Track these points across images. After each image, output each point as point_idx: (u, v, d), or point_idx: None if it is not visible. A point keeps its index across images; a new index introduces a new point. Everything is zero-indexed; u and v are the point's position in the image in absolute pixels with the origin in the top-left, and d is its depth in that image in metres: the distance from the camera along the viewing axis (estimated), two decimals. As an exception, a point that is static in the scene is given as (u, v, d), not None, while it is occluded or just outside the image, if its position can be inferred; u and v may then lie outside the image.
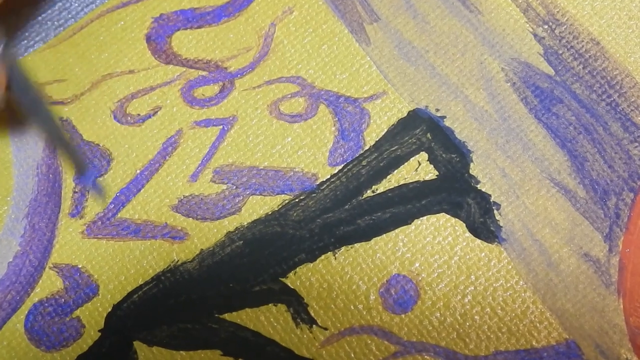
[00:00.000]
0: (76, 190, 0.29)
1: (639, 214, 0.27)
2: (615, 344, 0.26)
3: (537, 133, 0.28)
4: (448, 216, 0.28)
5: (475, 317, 0.27)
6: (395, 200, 0.28)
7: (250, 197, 0.29)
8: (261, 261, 0.28)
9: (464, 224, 0.28)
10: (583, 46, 0.29)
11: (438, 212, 0.28)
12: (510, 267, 0.27)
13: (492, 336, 0.26)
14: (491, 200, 0.28)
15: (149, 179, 0.29)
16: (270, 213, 0.28)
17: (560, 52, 0.29)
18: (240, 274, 0.28)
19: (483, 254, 0.27)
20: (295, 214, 0.28)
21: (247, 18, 0.31)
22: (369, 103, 0.29)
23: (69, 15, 0.32)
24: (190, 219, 0.29)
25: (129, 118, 0.30)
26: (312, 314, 0.27)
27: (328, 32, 0.30)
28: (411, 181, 0.28)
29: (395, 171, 0.28)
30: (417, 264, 0.27)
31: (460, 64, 0.29)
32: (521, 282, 0.27)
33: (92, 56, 0.31)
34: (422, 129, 0.29)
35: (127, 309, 0.28)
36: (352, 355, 0.27)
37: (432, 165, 0.28)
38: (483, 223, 0.27)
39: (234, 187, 0.29)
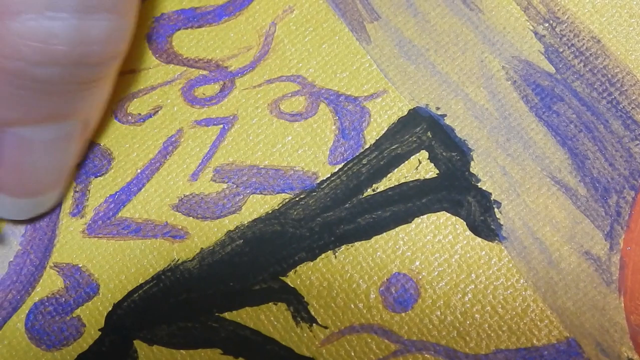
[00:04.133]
0: (77, 189, 0.29)
1: (640, 211, 0.27)
2: (616, 342, 0.26)
3: (537, 131, 0.28)
4: (448, 214, 0.28)
5: (476, 315, 0.27)
6: (395, 198, 0.28)
7: (251, 196, 0.29)
8: (261, 260, 0.28)
9: (465, 223, 0.28)
10: (584, 44, 0.29)
11: (438, 210, 0.28)
12: (510, 265, 0.27)
13: (492, 334, 0.26)
14: (491, 199, 0.28)
15: (150, 178, 0.29)
16: (270, 212, 0.28)
17: (561, 50, 0.29)
18: (240, 273, 0.28)
19: (483, 253, 0.27)
20: (295, 213, 0.28)
21: (248, 17, 0.31)
22: (369, 102, 0.29)
23: (70, 16, 0.32)
24: (191, 218, 0.29)
25: (130, 117, 0.30)
26: (312, 313, 0.27)
27: (328, 31, 0.30)
28: (411, 179, 0.28)
29: (396, 170, 0.28)
30: (417, 263, 0.27)
31: (460, 62, 0.29)
32: (522, 281, 0.27)
33: (93, 56, 0.31)
34: (422, 128, 0.29)
35: (127, 308, 0.28)
36: (352, 353, 0.27)
37: (432, 164, 0.28)
38: (483, 221, 0.27)
39: (235, 186, 0.29)
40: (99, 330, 0.28)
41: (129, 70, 0.31)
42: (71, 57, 0.23)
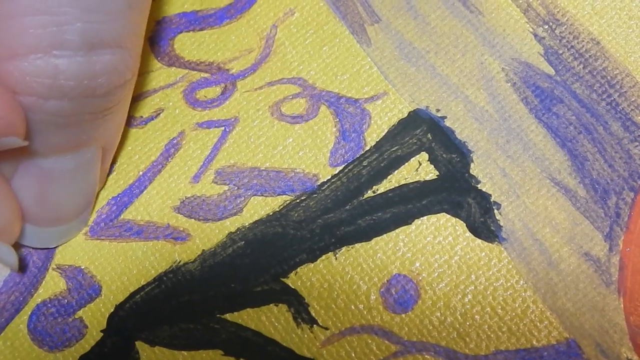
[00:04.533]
0: (79, 191, 0.30)
1: (639, 213, 0.27)
2: (616, 343, 0.26)
3: (537, 133, 0.28)
4: (448, 216, 0.28)
5: (476, 316, 0.27)
6: (395, 200, 0.28)
7: (252, 197, 0.29)
8: (262, 261, 0.28)
9: (465, 224, 0.28)
10: (583, 46, 0.29)
11: (438, 212, 0.28)
12: (510, 266, 0.27)
13: (492, 335, 0.26)
14: (491, 200, 0.28)
15: (152, 180, 0.29)
16: (271, 214, 0.29)
17: (561, 52, 0.29)
18: (241, 274, 0.28)
19: (483, 254, 0.27)
20: (296, 215, 0.28)
21: (249, 20, 0.31)
22: (369, 104, 0.29)
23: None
24: (192, 219, 0.29)
25: (132, 120, 0.30)
26: (313, 314, 0.27)
27: (329, 34, 0.30)
28: (412, 181, 0.28)
29: (396, 171, 0.28)
30: (417, 264, 0.27)
31: (460, 64, 0.29)
32: (521, 282, 0.27)
33: (96, 59, 0.31)
34: (422, 129, 0.29)
35: (129, 310, 0.28)
36: (353, 354, 0.27)
37: (432, 166, 0.28)
38: (483, 223, 0.27)
39: (236, 188, 0.29)
40: (101, 331, 0.28)
41: (131, 73, 0.31)
42: (79, 90, 0.24)
